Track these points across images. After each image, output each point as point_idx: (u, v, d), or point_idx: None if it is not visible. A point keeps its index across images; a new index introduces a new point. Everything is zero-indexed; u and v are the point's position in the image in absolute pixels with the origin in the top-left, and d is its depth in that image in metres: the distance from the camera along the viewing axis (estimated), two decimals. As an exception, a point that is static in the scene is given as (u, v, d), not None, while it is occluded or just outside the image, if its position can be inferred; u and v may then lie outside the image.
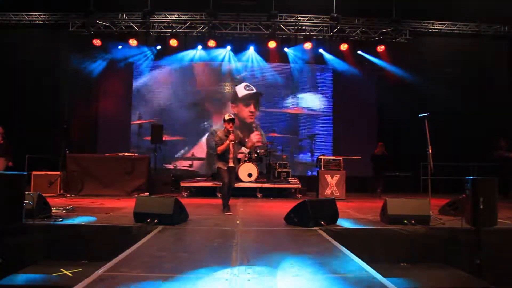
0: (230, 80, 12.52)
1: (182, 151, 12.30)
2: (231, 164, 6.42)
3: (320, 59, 12.40)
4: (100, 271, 3.10)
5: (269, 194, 9.26)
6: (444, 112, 10.59)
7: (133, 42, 11.38)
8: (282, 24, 11.31)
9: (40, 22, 11.30)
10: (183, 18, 11.28)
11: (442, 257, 4.89)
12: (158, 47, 12.01)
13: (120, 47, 11.84)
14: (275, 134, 11.98)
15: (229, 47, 12.19)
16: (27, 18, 11.21)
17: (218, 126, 12.21)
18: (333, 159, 9.22)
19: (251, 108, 12.37)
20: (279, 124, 12.34)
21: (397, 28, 11.17)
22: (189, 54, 12.21)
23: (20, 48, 11.30)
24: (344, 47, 11.48)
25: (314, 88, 12.57)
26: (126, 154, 9.73)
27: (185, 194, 9.24)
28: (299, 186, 9.33)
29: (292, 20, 11.28)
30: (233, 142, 6.31)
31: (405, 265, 4.79)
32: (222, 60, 12.42)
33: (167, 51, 12.01)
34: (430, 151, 5.85)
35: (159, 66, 12.49)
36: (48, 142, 10.40)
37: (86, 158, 9.19)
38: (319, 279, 3.05)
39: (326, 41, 11.95)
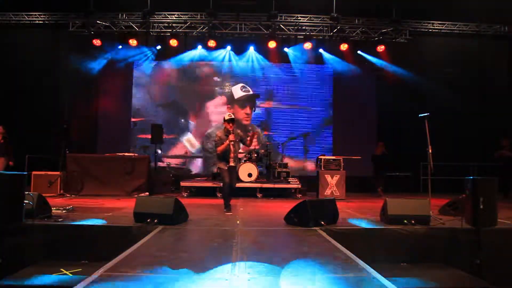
0: (230, 80, 12.51)
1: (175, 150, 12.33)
2: (231, 164, 6.41)
3: (320, 59, 12.40)
4: (100, 271, 3.10)
5: (269, 194, 9.26)
6: (444, 112, 10.58)
7: (133, 42, 11.39)
8: (282, 24, 11.31)
9: (40, 22, 11.30)
10: (183, 18, 11.28)
11: (442, 257, 4.89)
12: (158, 47, 12.01)
13: (120, 47, 11.84)
14: (270, 132, 11.97)
15: (229, 47, 12.19)
16: (27, 18, 11.21)
17: (212, 129, 12.24)
18: (333, 159, 9.22)
19: (247, 110, 12.33)
20: (279, 124, 12.34)
21: (397, 28, 11.17)
22: (189, 54, 12.20)
23: (20, 48, 11.30)
24: (344, 47, 11.48)
25: (314, 88, 12.56)
26: (126, 154, 9.74)
27: (185, 194, 9.24)
28: (299, 186, 9.33)
29: (292, 20, 11.28)
30: (233, 142, 6.30)
31: (405, 265, 4.79)
32: (222, 60, 12.42)
33: (167, 51, 12.00)
34: (430, 151, 5.85)
35: (159, 66, 12.49)
36: (48, 142, 10.41)
37: (86, 158, 9.19)
38: (319, 279, 3.05)
39: (326, 41, 11.95)
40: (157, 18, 11.21)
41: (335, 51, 12.05)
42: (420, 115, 5.92)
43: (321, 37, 11.69)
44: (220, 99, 12.47)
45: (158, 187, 9.67)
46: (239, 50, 12.30)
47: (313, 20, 11.28)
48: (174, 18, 11.29)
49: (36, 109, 10.96)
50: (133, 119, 12.29)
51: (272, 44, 11.43)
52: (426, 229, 5.06)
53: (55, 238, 4.78)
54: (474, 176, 5.01)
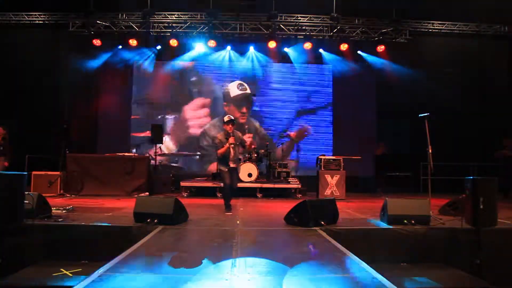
0: (230, 80, 12.51)
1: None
2: (232, 165, 6.42)
3: (320, 59, 12.39)
4: (100, 271, 3.10)
5: (269, 194, 9.26)
6: (444, 112, 10.58)
7: (133, 42, 11.38)
8: (282, 24, 11.30)
9: (40, 22, 11.30)
10: (183, 18, 11.28)
11: (442, 257, 4.89)
12: (158, 47, 12.02)
13: (120, 47, 11.84)
14: (270, 132, 11.96)
15: (229, 47, 12.19)
16: (27, 18, 11.21)
17: (208, 126, 12.23)
18: (333, 159, 9.22)
19: (243, 109, 12.27)
20: (278, 124, 12.34)
21: (397, 28, 11.17)
22: (189, 54, 12.19)
23: (20, 48, 11.29)
24: (344, 47, 11.48)
25: (314, 88, 12.55)
26: (126, 154, 9.73)
27: (185, 194, 9.24)
28: (299, 186, 9.33)
29: (292, 20, 11.27)
30: (233, 145, 6.30)
31: (405, 265, 4.79)
32: (222, 60, 12.41)
33: (167, 51, 12.01)
34: (430, 151, 5.85)
35: (159, 66, 12.47)
36: (48, 142, 10.40)
37: (86, 158, 9.19)
38: (319, 279, 3.05)
39: (326, 41, 11.94)
40: (157, 18, 11.21)
41: (335, 51, 12.05)
42: (420, 115, 5.93)
43: (321, 37, 11.68)
44: (220, 100, 12.45)
45: (158, 187, 9.67)
46: (239, 50, 12.30)
47: (313, 20, 11.27)
48: (174, 18, 11.29)
49: (36, 109, 10.95)
50: (133, 116, 12.30)
51: (272, 44, 11.43)
52: (426, 229, 5.06)
53: (55, 238, 4.78)
54: (474, 176, 5.01)
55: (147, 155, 10.18)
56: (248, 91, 12.35)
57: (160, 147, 11.00)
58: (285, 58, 12.37)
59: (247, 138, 11.68)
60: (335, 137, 12.35)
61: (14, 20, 11.17)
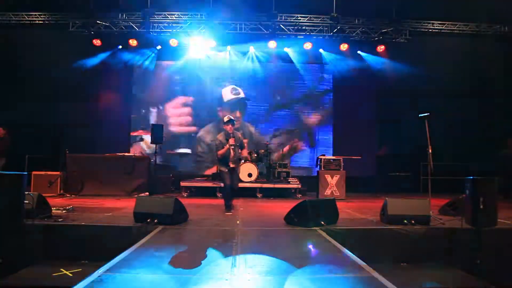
0: (230, 80, 12.51)
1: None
2: (232, 166, 6.42)
3: (320, 59, 12.39)
4: (100, 271, 3.10)
5: (269, 194, 9.26)
6: (444, 112, 10.59)
7: (133, 42, 11.37)
8: (282, 24, 11.29)
9: (40, 22, 11.28)
10: (183, 18, 11.26)
11: (442, 257, 4.89)
12: (158, 47, 12.01)
13: (120, 47, 11.83)
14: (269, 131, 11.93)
15: (229, 47, 12.18)
16: (27, 18, 11.19)
17: (202, 132, 12.22)
18: (333, 159, 9.22)
19: (237, 113, 12.19)
20: (278, 124, 12.33)
21: (397, 28, 11.16)
22: (189, 54, 12.18)
23: (20, 48, 11.28)
24: (344, 47, 11.47)
25: (313, 88, 12.56)
26: (126, 154, 9.74)
27: (185, 194, 9.25)
28: (299, 186, 9.33)
29: (292, 20, 11.26)
30: (233, 146, 6.30)
31: (405, 265, 4.79)
32: (222, 60, 12.40)
33: (167, 51, 12.00)
34: (430, 151, 5.85)
35: (159, 66, 12.47)
36: (48, 142, 10.39)
37: (86, 158, 9.19)
38: (319, 279, 3.05)
39: (326, 41, 11.93)
40: (157, 18, 11.20)
41: (335, 51, 12.05)
42: (420, 115, 5.92)
43: (321, 37, 11.68)
44: (219, 101, 12.43)
45: (158, 187, 9.67)
46: (239, 50, 12.29)
47: (313, 20, 11.26)
48: (174, 18, 11.27)
49: (36, 109, 10.94)
50: (133, 116, 12.31)
51: (272, 44, 11.42)
52: (426, 229, 5.06)
53: (55, 238, 4.78)
54: (474, 176, 5.02)
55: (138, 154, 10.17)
56: (242, 95, 12.32)
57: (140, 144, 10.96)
58: (285, 58, 12.36)
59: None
60: (335, 137, 12.34)
61: (14, 20, 11.15)
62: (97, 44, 11.30)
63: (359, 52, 12.05)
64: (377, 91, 12.29)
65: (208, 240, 4.38)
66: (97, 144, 12.00)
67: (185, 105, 12.41)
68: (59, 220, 5.22)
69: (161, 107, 12.41)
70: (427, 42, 11.75)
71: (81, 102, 11.94)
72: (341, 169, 9.08)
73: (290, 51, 12.23)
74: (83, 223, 5.07)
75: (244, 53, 12.34)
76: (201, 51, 12.05)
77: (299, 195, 9.26)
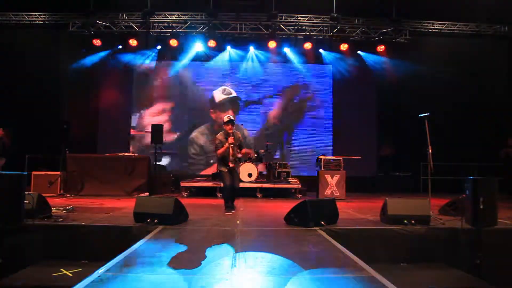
0: (230, 80, 12.51)
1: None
2: (231, 165, 6.41)
3: (320, 59, 12.40)
4: (100, 271, 3.10)
5: (269, 194, 9.26)
6: (444, 112, 10.60)
7: (133, 42, 11.38)
8: (282, 24, 11.30)
9: (40, 22, 11.29)
10: (183, 18, 11.28)
11: (442, 257, 4.89)
12: (158, 47, 12.02)
13: (120, 47, 11.84)
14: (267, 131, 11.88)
15: (229, 47, 12.19)
16: (27, 18, 11.20)
17: (196, 133, 12.21)
18: (333, 159, 9.22)
19: (230, 113, 12.12)
20: (277, 124, 12.34)
21: (397, 28, 11.17)
22: (189, 54, 12.19)
23: (20, 48, 11.29)
24: (344, 47, 11.47)
25: (314, 88, 12.56)
26: (126, 154, 9.73)
27: (185, 194, 9.25)
28: (299, 186, 9.33)
29: (292, 20, 11.27)
30: (232, 145, 6.29)
31: (405, 265, 4.79)
32: (222, 60, 12.40)
33: (167, 51, 12.01)
34: (430, 151, 5.85)
35: (159, 66, 12.48)
36: (48, 142, 10.40)
37: (86, 158, 9.19)
38: (319, 279, 3.05)
39: (326, 41, 11.94)
40: (157, 18, 11.21)
41: (335, 51, 12.06)
42: (420, 115, 5.93)
43: (321, 37, 11.68)
44: (219, 101, 12.42)
45: (158, 187, 9.67)
46: (239, 50, 12.29)
47: (313, 20, 11.27)
48: (174, 18, 11.28)
49: (36, 109, 10.95)
50: (133, 116, 12.32)
51: (272, 44, 11.42)
52: (426, 229, 5.06)
53: (55, 238, 4.78)
54: (474, 176, 5.02)
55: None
56: (233, 95, 12.32)
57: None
58: (285, 58, 12.37)
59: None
60: (335, 137, 12.35)
61: (14, 20, 11.16)
62: (97, 44, 11.30)
63: (359, 52, 12.05)
64: (377, 91, 12.30)
65: (208, 240, 4.37)
66: (97, 144, 12.03)
67: (165, 110, 12.41)
68: (59, 220, 5.21)
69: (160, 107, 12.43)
70: (427, 42, 11.77)
71: (81, 102, 11.97)
72: (341, 169, 9.08)
73: (290, 51, 12.23)
74: (83, 223, 5.07)
75: (244, 53, 12.33)
76: (201, 51, 12.06)
77: (299, 195, 9.25)
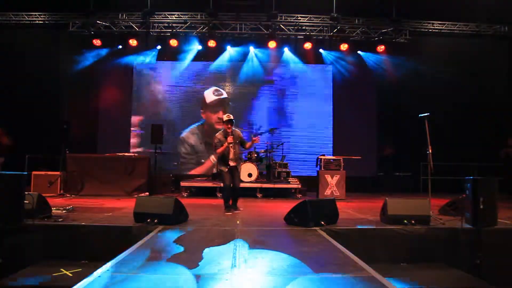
0: (229, 80, 12.51)
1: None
2: (232, 164, 6.41)
3: (320, 59, 12.39)
4: (100, 271, 3.10)
5: (269, 194, 9.27)
6: (444, 112, 10.60)
7: (133, 42, 11.38)
8: (282, 24, 11.31)
9: (40, 22, 11.30)
10: (183, 18, 11.28)
11: (442, 257, 4.89)
12: (158, 47, 12.01)
13: (120, 47, 11.84)
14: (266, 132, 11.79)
15: (229, 47, 12.18)
16: (27, 18, 11.21)
17: (186, 133, 12.19)
18: (333, 159, 9.22)
19: (220, 114, 12.12)
20: (278, 124, 12.32)
21: (397, 28, 11.17)
22: (189, 54, 12.19)
23: (20, 48, 11.29)
24: (344, 47, 11.47)
25: (314, 88, 12.55)
26: (126, 154, 9.74)
27: (185, 194, 9.25)
28: (299, 186, 9.33)
29: (292, 20, 11.28)
30: (231, 144, 6.28)
31: (405, 265, 4.80)
32: (222, 60, 12.40)
33: (167, 51, 12.01)
34: (430, 151, 5.85)
35: (159, 66, 12.48)
36: (48, 142, 10.40)
37: (86, 158, 9.19)
38: (319, 279, 3.06)
39: (326, 41, 11.94)
40: (157, 18, 11.22)
41: (335, 51, 12.06)
42: (420, 115, 5.93)
43: (321, 37, 11.68)
44: (219, 100, 12.42)
45: (158, 187, 9.67)
46: (239, 50, 12.29)
47: (313, 20, 11.28)
48: (174, 18, 11.29)
49: (36, 109, 10.95)
50: (133, 116, 12.31)
51: (272, 44, 11.41)
52: (426, 229, 5.06)
53: (55, 238, 4.79)
54: (474, 176, 5.02)
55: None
56: (224, 96, 12.31)
57: None
58: (285, 58, 12.36)
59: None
60: (335, 137, 12.35)
61: (14, 20, 11.16)
62: (97, 44, 11.30)
63: (359, 52, 12.05)
64: (377, 91, 12.30)
65: (208, 240, 4.37)
66: (97, 144, 12.03)
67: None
68: (59, 220, 5.21)
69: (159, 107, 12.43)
70: (427, 42, 11.77)
71: (81, 102, 11.97)
72: (341, 169, 9.08)
73: (290, 51, 12.23)
74: (83, 223, 5.07)
75: (244, 53, 12.33)
76: (201, 51, 12.06)
77: (299, 195, 9.25)
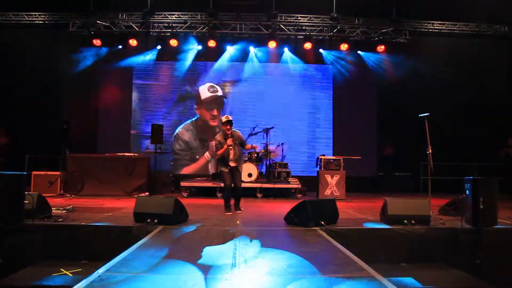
0: (229, 80, 12.51)
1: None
2: (232, 165, 6.41)
3: (320, 59, 12.39)
4: (100, 271, 3.10)
5: (269, 194, 9.27)
6: (444, 112, 10.60)
7: (133, 42, 11.38)
8: (282, 24, 11.31)
9: (40, 22, 11.30)
10: (183, 18, 11.28)
11: (442, 257, 4.89)
12: (158, 47, 12.01)
13: (120, 47, 11.84)
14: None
15: (229, 47, 12.18)
16: (27, 18, 11.21)
17: (181, 130, 12.16)
18: (333, 159, 9.22)
19: (214, 112, 12.13)
20: (277, 125, 12.32)
21: (397, 28, 11.17)
22: (189, 54, 12.19)
23: (20, 48, 11.29)
24: (344, 47, 11.47)
25: (314, 88, 12.55)
26: (126, 154, 9.73)
27: (185, 194, 9.25)
28: (299, 186, 9.33)
29: (292, 20, 11.28)
30: (231, 147, 6.27)
31: (405, 265, 4.80)
32: (222, 60, 12.39)
33: (167, 51, 12.01)
34: (430, 151, 5.85)
35: (159, 66, 12.48)
36: (48, 142, 10.40)
37: (86, 158, 9.19)
38: (319, 279, 3.06)
39: (326, 41, 11.94)
40: (157, 18, 11.22)
41: (335, 51, 12.06)
42: (420, 115, 5.93)
43: (321, 37, 11.68)
44: (218, 100, 12.42)
45: (158, 187, 9.67)
46: (239, 50, 12.29)
47: (313, 20, 11.28)
48: (174, 18, 11.29)
49: (36, 109, 10.96)
50: (133, 116, 12.30)
51: (272, 44, 11.42)
52: (426, 229, 5.06)
53: (55, 238, 4.79)
54: (474, 176, 5.01)
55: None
56: (220, 93, 12.29)
57: None
58: (285, 58, 12.36)
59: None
60: (335, 137, 12.35)
61: (14, 20, 11.17)
62: (97, 44, 11.31)
63: (359, 52, 12.06)
64: (377, 91, 12.30)
65: (208, 240, 4.37)
66: (97, 144, 12.02)
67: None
68: (59, 220, 5.22)
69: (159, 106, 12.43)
70: (427, 42, 11.77)
71: (81, 102, 11.97)
72: (341, 169, 9.08)
73: (290, 51, 12.23)
74: (83, 223, 5.07)
75: (244, 53, 12.33)
76: (201, 51, 12.06)
77: (299, 195, 9.26)
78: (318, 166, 9.32)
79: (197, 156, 12.12)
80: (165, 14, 11.22)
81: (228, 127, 6.30)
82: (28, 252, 4.62)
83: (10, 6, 10.97)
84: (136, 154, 9.89)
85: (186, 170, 12.02)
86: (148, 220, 4.97)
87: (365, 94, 12.32)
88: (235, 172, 6.48)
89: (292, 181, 9.68)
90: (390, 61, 11.89)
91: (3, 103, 10.79)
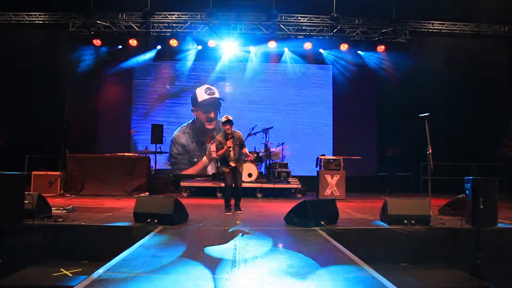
0: (229, 80, 12.51)
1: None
2: (233, 165, 6.40)
3: (320, 59, 12.40)
4: (100, 271, 3.10)
5: (269, 194, 9.27)
6: (444, 112, 10.60)
7: (133, 42, 11.38)
8: (282, 24, 11.30)
9: (40, 22, 11.30)
10: (183, 18, 11.28)
11: (442, 257, 4.89)
12: (158, 47, 12.02)
13: (120, 47, 11.84)
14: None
15: (229, 47, 12.15)
16: (27, 18, 11.21)
17: (177, 133, 12.17)
18: (333, 159, 9.22)
19: (211, 114, 12.14)
20: (277, 124, 12.32)
21: (397, 28, 11.17)
22: (189, 54, 12.20)
23: (20, 48, 11.29)
24: (344, 47, 11.48)
25: (314, 88, 12.55)
26: (126, 154, 9.72)
27: (185, 194, 9.24)
28: (299, 186, 9.33)
29: (292, 20, 11.27)
30: (231, 148, 6.26)
31: (405, 265, 4.80)
32: (222, 60, 12.38)
33: (167, 51, 12.01)
34: (430, 151, 5.85)
35: (159, 66, 12.49)
36: (48, 142, 10.40)
37: (86, 158, 9.18)
38: (320, 279, 3.06)
39: (326, 41, 11.94)
40: (157, 18, 11.21)
41: (335, 51, 12.06)
42: (420, 115, 5.93)
43: (321, 37, 11.68)
44: (218, 100, 12.42)
45: (158, 187, 9.67)
46: (239, 50, 12.28)
47: (313, 20, 11.27)
48: (174, 18, 11.29)
49: (36, 109, 10.94)
50: (133, 116, 12.31)
51: (272, 44, 11.41)
52: (426, 229, 5.06)
53: (55, 238, 4.79)
54: (474, 176, 5.01)
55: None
56: (216, 95, 12.29)
57: None
58: (285, 58, 12.36)
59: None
60: (335, 137, 12.35)
61: (14, 20, 11.16)
62: (97, 44, 11.31)
63: (359, 52, 12.06)
64: (377, 91, 12.31)
65: (208, 240, 4.38)
66: (97, 144, 12.02)
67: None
68: (59, 220, 5.21)
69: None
70: (427, 42, 11.77)
71: (81, 102, 11.96)
72: (341, 169, 9.08)
73: (290, 51, 12.23)
74: (83, 223, 5.07)
75: (244, 53, 12.32)
76: (201, 51, 12.06)
77: (299, 195, 9.25)
78: (318, 166, 9.32)
79: (195, 159, 12.10)
80: (165, 14, 11.22)
81: (228, 126, 6.28)
82: (28, 252, 4.61)
83: (10, 6, 10.97)
84: (136, 154, 9.89)
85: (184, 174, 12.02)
86: (148, 220, 4.97)
87: (365, 94, 12.33)
88: (236, 172, 6.47)
89: (292, 181, 9.68)
90: (390, 61, 11.89)
91: (3, 103, 10.78)
